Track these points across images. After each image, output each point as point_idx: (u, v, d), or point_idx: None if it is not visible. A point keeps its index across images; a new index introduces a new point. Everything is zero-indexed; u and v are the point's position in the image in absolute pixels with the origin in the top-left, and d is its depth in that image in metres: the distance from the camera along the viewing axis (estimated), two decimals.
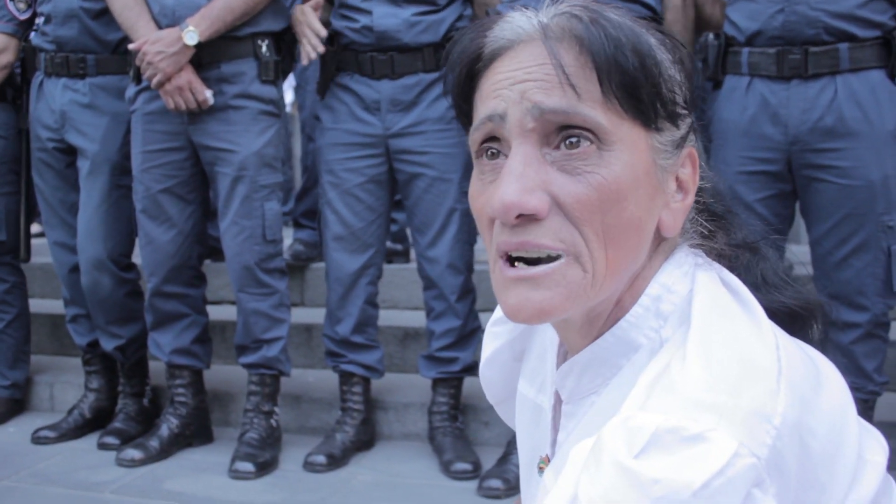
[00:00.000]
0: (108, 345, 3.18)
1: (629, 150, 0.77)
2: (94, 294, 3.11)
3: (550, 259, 0.77)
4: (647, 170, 0.78)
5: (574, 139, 0.76)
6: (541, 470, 0.93)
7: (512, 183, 0.75)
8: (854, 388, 2.78)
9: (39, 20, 3.11)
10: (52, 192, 3.20)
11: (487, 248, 0.81)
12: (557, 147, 0.77)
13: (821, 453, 0.72)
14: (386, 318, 3.39)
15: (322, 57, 2.91)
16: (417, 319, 3.34)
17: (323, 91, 2.95)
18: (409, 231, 3.09)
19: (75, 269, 3.19)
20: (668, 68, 0.80)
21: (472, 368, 2.95)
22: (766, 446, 0.67)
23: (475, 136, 0.81)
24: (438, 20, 2.82)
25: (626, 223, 0.77)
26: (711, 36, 2.62)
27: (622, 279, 0.80)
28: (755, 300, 0.80)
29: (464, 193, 2.81)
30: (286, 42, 2.96)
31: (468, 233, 2.87)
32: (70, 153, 3.15)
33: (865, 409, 2.53)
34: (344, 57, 2.87)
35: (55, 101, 3.09)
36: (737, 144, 2.55)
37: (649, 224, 0.79)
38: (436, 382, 2.98)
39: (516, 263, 0.78)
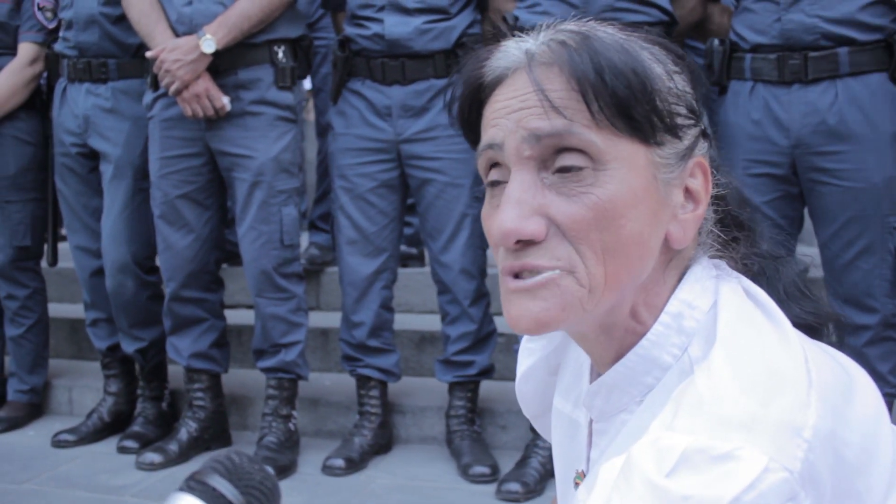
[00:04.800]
0: (129, 347, 3.21)
1: (626, 168, 0.78)
2: (119, 297, 3.14)
3: None
4: (646, 186, 0.79)
5: (570, 163, 0.78)
6: (577, 485, 0.94)
7: (509, 210, 0.78)
8: None
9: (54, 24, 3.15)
10: (75, 197, 3.23)
11: (498, 266, 0.83)
12: (555, 171, 0.78)
13: (856, 463, 0.72)
14: (401, 321, 3.40)
15: (334, 63, 2.94)
16: (433, 323, 3.35)
17: (335, 97, 2.97)
18: (422, 235, 3.11)
19: (97, 272, 3.22)
20: (665, 81, 0.80)
21: (488, 372, 2.96)
22: (799, 459, 0.68)
23: (480, 162, 0.84)
24: (450, 27, 2.83)
25: (625, 239, 0.78)
26: (717, 41, 2.64)
27: (625, 291, 0.80)
28: (780, 310, 0.80)
29: (475, 198, 2.82)
30: (303, 48, 2.99)
31: (480, 237, 2.87)
32: (93, 158, 3.18)
33: None
34: (355, 63, 2.89)
35: (78, 106, 3.12)
36: (742, 148, 2.57)
37: (653, 238, 0.80)
38: (452, 386, 2.99)
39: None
